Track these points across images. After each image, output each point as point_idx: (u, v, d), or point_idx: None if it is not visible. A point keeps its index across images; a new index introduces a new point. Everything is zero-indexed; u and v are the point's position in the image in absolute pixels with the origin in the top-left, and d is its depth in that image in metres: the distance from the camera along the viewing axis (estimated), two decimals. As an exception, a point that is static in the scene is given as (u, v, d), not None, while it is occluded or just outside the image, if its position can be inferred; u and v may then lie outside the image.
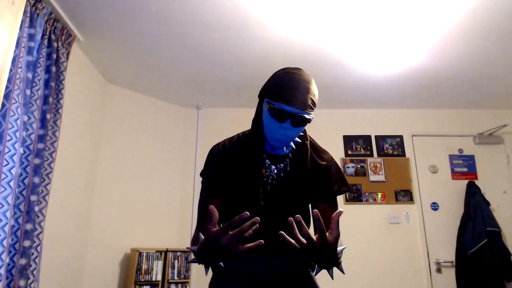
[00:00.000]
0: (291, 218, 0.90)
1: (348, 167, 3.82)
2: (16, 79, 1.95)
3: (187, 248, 1.10)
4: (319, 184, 1.27)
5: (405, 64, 3.07)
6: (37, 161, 2.18)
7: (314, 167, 1.28)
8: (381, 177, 3.78)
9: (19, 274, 2.01)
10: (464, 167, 3.80)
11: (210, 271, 1.25)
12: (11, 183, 1.88)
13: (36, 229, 2.17)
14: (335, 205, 1.27)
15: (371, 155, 3.87)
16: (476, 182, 3.64)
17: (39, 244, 2.18)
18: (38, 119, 2.21)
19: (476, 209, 3.45)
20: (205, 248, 0.96)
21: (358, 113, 4.01)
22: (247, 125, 1.35)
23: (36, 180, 2.16)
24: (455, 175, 3.77)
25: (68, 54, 2.57)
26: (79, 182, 2.98)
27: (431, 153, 3.86)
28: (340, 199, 3.67)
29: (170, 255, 3.20)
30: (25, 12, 2.01)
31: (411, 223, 3.63)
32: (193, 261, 1.02)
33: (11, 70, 1.91)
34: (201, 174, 1.32)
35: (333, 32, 2.65)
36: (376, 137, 3.93)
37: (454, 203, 3.65)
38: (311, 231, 0.97)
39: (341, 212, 0.91)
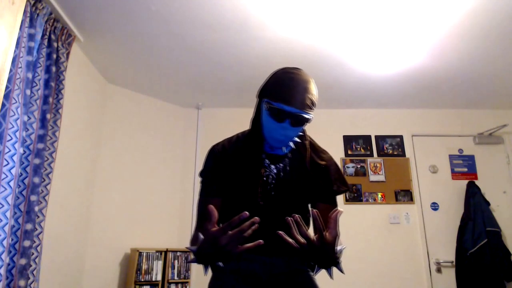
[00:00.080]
0: (290, 218, 0.90)
1: (348, 167, 3.82)
2: (16, 79, 1.95)
3: (186, 248, 1.10)
4: (319, 184, 1.27)
5: (405, 64, 3.07)
6: (37, 161, 2.18)
7: (313, 167, 1.28)
8: (381, 177, 3.78)
9: (19, 274, 2.01)
10: (464, 167, 3.80)
11: (209, 271, 1.25)
12: (11, 183, 1.88)
13: (36, 229, 2.17)
14: (334, 205, 1.27)
15: (371, 155, 3.87)
16: (476, 182, 3.64)
17: (39, 244, 2.18)
18: (38, 119, 2.21)
19: (476, 209, 3.45)
20: (204, 247, 0.96)
21: (358, 113, 4.01)
22: (247, 125, 1.35)
23: (36, 180, 2.16)
24: (455, 175, 3.77)
25: (68, 54, 2.57)
26: (79, 182, 2.98)
27: (431, 153, 3.86)
28: (340, 199, 3.67)
29: (170, 255, 3.20)
30: (25, 12, 2.01)
31: (411, 223, 3.63)
32: (192, 261, 1.02)
33: (11, 70, 1.91)
34: (201, 174, 1.32)
35: (333, 32, 2.65)
36: (376, 137, 3.93)
37: (454, 203, 3.65)
38: (310, 231, 0.97)
39: (339, 212, 0.91)
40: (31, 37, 2.13)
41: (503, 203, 3.63)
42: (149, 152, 3.67)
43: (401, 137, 3.93)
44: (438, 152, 3.85)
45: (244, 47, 2.86)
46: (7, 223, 1.84)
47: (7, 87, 1.87)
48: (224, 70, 3.24)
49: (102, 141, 3.36)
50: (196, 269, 3.38)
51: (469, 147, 3.86)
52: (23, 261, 2.03)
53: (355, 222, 3.61)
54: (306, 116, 1.14)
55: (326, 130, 3.89)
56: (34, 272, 2.12)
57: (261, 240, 0.90)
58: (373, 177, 3.78)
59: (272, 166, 1.27)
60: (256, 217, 0.90)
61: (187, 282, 3.19)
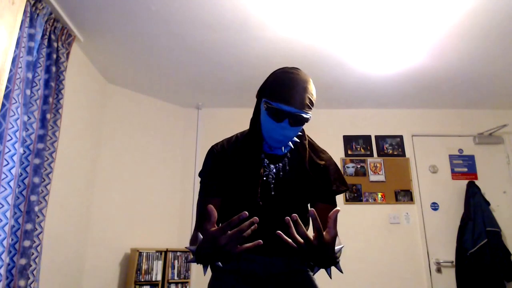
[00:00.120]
0: (288, 218, 0.90)
1: (348, 167, 3.82)
2: (16, 79, 1.95)
3: (186, 247, 1.10)
4: (318, 183, 1.27)
5: (405, 64, 3.07)
6: (37, 161, 2.18)
7: (312, 166, 1.28)
8: (381, 177, 3.78)
9: (19, 274, 2.01)
10: (464, 167, 3.80)
11: (209, 271, 1.25)
12: (11, 183, 1.88)
13: (36, 229, 2.17)
14: (334, 205, 1.27)
15: (371, 155, 3.87)
16: (476, 182, 3.64)
17: (39, 244, 2.18)
18: (38, 119, 2.21)
19: (476, 209, 3.45)
20: (203, 247, 0.96)
21: (358, 113, 4.01)
22: (247, 125, 1.35)
23: (36, 180, 2.16)
24: (455, 175, 3.77)
25: (68, 54, 2.58)
26: (79, 182, 2.98)
27: (431, 153, 3.86)
28: (340, 199, 3.67)
29: (170, 255, 3.20)
30: (25, 12, 2.01)
31: (411, 223, 3.63)
32: (191, 260, 1.02)
33: (11, 70, 1.91)
34: (200, 174, 1.32)
35: (333, 32, 2.65)
36: (376, 137, 3.93)
37: (454, 203, 3.65)
38: (310, 230, 0.97)
39: (338, 211, 0.91)
40: (31, 37, 2.13)
41: (503, 203, 3.63)
42: (149, 152, 3.67)
43: (401, 137, 3.93)
44: (438, 152, 3.85)
45: (244, 47, 2.86)
46: (7, 223, 1.84)
47: (7, 87, 1.88)
48: (224, 70, 3.24)
49: (102, 141, 3.36)
50: (196, 269, 3.38)
51: (469, 147, 3.86)
52: (23, 261, 2.04)
53: (355, 222, 3.60)
54: (305, 116, 1.14)
55: (326, 130, 3.89)
56: (34, 272, 2.12)
57: (260, 240, 0.90)
58: (373, 177, 3.78)
59: (272, 166, 1.27)
60: (255, 217, 0.90)
61: (187, 282, 3.19)
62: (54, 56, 2.40)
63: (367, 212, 3.68)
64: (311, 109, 1.16)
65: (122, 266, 3.26)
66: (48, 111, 2.30)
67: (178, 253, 3.24)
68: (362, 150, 3.89)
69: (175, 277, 3.16)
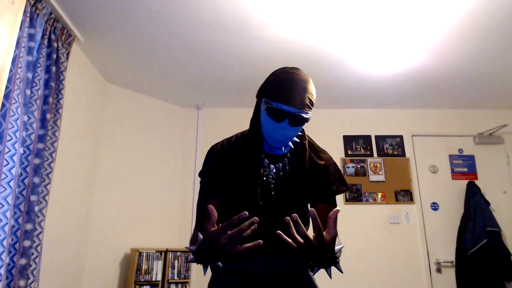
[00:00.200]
0: (288, 218, 0.90)
1: (348, 167, 3.82)
2: (16, 79, 1.95)
3: (185, 247, 1.10)
4: (318, 183, 1.27)
5: (405, 64, 3.07)
6: (37, 161, 2.18)
7: (312, 166, 1.28)
8: (381, 177, 3.78)
9: (19, 274, 2.01)
10: (464, 167, 3.80)
11: (209, 271, 1.25)
12: (11, 183, 1.88)
13: (36, 229, 2.17)
14: (334, 205, 1.27)
15: (371, 155, 3.87)
16: (476, 182, 3.64)
17: (39, 244, 2.18)
18: (38, 119, 2.21)
19: (476, 209, 3.45)
20: (203, 247, 0.96)
21: (358, 113, 4.01)
22: (247, 125, 1.35)
23: (36, 180, 2.16)
24: (455, 175, 3.77)
25: (68, 54, 2.58)
26: (79, 182, 2.98)
27: (431, 153, 3.86)
28: (340, 199, 3.67)
29: (170, 255, 3.20)
30: (25, 12, 2.01)
31: (411, 223, 3.63)
32: (191, 260, 1.02)
33: (11, 70, 1.91)
34: (200, 174, 1.32)
35: (333, 32, 2.65)
36: (376, 137, 3.93)
37: (454, 203, 3.65)
38: (310, 230, 0.97)
39: (338, 211, 0.91)
40: (31, 37, 2.13)
41: (503, 203, 3.63)
42: (149, 152, 3.67)
43: (401, 137, 3.93)
44: (438, 152, 3.85)
45: (244, 47, 2.86)
46: (7, 223, 1.84)
47: (7, 87, 1.88)
48: (224, 70, 3.24)
49: (102, 141, 3.36)
50: (196, 269, 3.38)
51: (469, 147, 3.86)
52: (23, 261, 2.04)
53: (355, 222, 3.61)
54: (305, 115, 1.14)
55: (326, 130, 3.89)
56: (34, 272, 2.12)
57: (260, 240, 0.90)
58: (373, 177, 3.78)
59: (272, 166, 1.27)
60: (255, 217, 0.90)
61: (187, 282, 3.19)
62: (54, 56, 2.40)
63: (367, 212, 3.68)
64: (311, 109, 1.16)
65: (122, 266, 3.26)
66: (48, 111, 2.30)
67: (178, 253, 3.24)
68: (362, 150, 3.89)
69: (175, 277, 3.16)
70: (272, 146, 1.23)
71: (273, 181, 1.26)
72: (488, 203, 3.51)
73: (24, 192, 2.10)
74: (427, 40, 2.72)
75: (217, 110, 4.03)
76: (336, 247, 0.97)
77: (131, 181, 3.48)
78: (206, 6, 2.39)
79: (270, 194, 1.25)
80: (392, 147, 3.90)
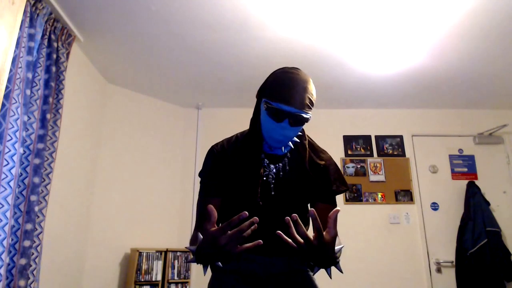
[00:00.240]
0: (288, 218, 0.90)
1: (348, 167, 3.82)
2: (16, 79, 1.95)
3: (185, 247, 1.10)
4: (318, 183, 1.27)
5: (405, 64, 3.07)
6: (37, 161, 2.18)
7: (312, 166, 1.28)
8: (381, 177, 3.78)
9: (19, 274, 2.01)
10: (464, 167, 3.80)
11: (208, 271, 1.25)
12: (11, 183, 1.88)
13: (36, 229, 2.17)
14: (334, 205, 1.27)
15: (371, 155, 3.87)
16: (476, 182, 3.64)
17: (39, 244, 2.18)
18: (38, 119, 2.21)
19: (476, 209, 3.45)
20: (203, 247, 0.96)
21: (358, 113, 4.01)
22: (247, 125, 1.35)
23: (36, 180, 2.16)
24: (455, 175, 3.77)
25: (68, 54, 2.58)
26: (79, 182, 2.98)
27: (431, 153, 3.86)
28: (340, 199, 3.67)
29: (170, 255, 3.20)
30: (25, 12, 2.01)
31: (411, 223, 3.63)
32: (191, 260, 1.02)
33: (11, 70, 1.91)
34: (200, 174, 1.32)
35: (333, 32, 2.65)
36: (376, 137, 3.93)
37: (454, 203, 3.65)
38: (310, 230, 0.96)
39: (338, 211, 0.91)
40: (31, 37, 2.13)
41: (503, 203, 3.63)
42: (149, 152, 3.67)
43: (401, 137, 3.93)
44: (438, 152, 3.85)
45: (244, 47, 2.86)
46: (7, 223, 1.84)
47: (7, 87, 1.88)
48: (224, 70, 3.24)
49: (102, 141, 3.36)
50: (196, 269, 3.38)
51: (469, 147, 3.86)
52: (23, 261, 2.04)
53: (355, 222, 3.61)
54: (305, 115, 1.14)
55: (326, 130, 3.89)
56: (34, 272, 2.12)
57: (260, 240, 0.90)
58: (373, 177, 3.78)
59: (272, 166, 1.27)
60: (255, 217, 0.90)
61: (187, 282, 3.19)
62: (54, 56, 2.40)
63: (367, 212, 3.68)
64: (311, 109, 1.16)
65: (122, 266, 3.26)
66: (48, 111, 2.30)
67: (178, 253, 3.24)
68: (362, 150, 3.89)
69: (175, 277, 3.16)
70: (272, 146, 1.23)
71: (273, 181, 1.26)
72: (488, 203, 3.52)
73: (24, 192, 2.10)
74: (427, 40, 2.72)
75: (217, 110, 4.03)
76: (336, 247, 0.97)
77: (131, 181, 3.48)
78: (206, 6, 2.39)
79: (270, 194, 1.25)
80: (392, 147, 3.90)
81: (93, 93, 3.24)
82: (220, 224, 1.03)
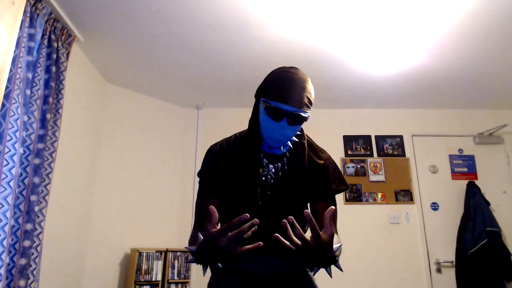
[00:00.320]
0: (285, 220, 0.89)
1: (348, 167, 3.82)
2: (16, 79, 1.95)
3: (185, 248, 1.10)
4: (317, 183, 1.27)
5: (405, 64, 3.07)
6: (37, 161, 2.19)
7: (311, 166, 1.28)
8: (381, 177, 3.78)
9: (19, 274, 2.01)
10: (464, 167, 3.80)
11: (208, 271, 1.25)
12: (11, 183, 1.88)
13: (36, 229, 2.17)
14: (333, 204, 1.27)
15: (371, 155, 3.87)
16: (476, 182, 3.64)
17: (39, 244, 2.18)
18: (38, 119, 2.21)
19: (476, 209, 3.45)
20: (204, 248, 0.96)
21: (358, 113, 4.01)
22: (247, 125, 1.36)
23: (36, 180, 2.16)
24: (455, 175, 3.77)
25: (68, 54, 2.58)
26: (79, 182, 2.98)
27: (431, 153, 3.86)
28: (340, 199, 3.67)
29: (170, 255, 3.20)
30: (25, 12, 2.01)
31: (411, 223, 3.63)
32: (191, 261, 1.02)
33: (11, 70, 1.91)
34: (199, 174, 1.32)
35: (333, 32, 2.65)
36: (376, 137, 3.93)
37: (454, 203, 3.65)
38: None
39: (333, 210, 0.90)
40: (31, 37, 2.13)
41: (503, 203, 3.63)
42: (149, 152, 3.67)
43: (401, 137, 3.93)
44: (438, 152, 3.85)
45: (244, 47, 2.86)
46: (7, 223, 1.84)
47: (7, 87, 1.88)
48: (224, 70, 3.24)
49: (102, 141, 3.36)
50: (196, 269, 3.38)
51: (469, 147, 3.86)
52: (23, 261, 2.04)
53: (355, 222, 3.61)
54: (303, 114, 1.14)
55: (326, 130, 3.89)
56: (34, 272, 2.12)
57: (260, 242, 0.90)
58: (373, 177, 3.78)
59: (271, 166, 1.27)
60: (256, 219, 0.90)
61: (187, 282, 3.19)
62: (54, 56, 2.40)
63: (367, 212, 3.68)
64: (309, 108, 1.16)
65: (122, 266, 3.26)
66: (48, 111, 2.30)
67: (178, 253, 3.24)
68: (362, 150, 3.89)
69: (175, 277, 3.16)
70: (271, 145, 1.23)
71: (272, 181, 1.26)
72: (488, 203, 3.51)
73: (24, 192, 2.10)
74: (427, 40, 2.72)
75: (217, 110, 4.03)
76: (335, 246, 0.97)
77: (131, 181, 3.48)
78: (206, 6, 2.39)
79: (269, 193, 1.24)
80: (392, 147, 3.90)
81: (93, 93, 3.24)
82: (219, 225, 1.03)
